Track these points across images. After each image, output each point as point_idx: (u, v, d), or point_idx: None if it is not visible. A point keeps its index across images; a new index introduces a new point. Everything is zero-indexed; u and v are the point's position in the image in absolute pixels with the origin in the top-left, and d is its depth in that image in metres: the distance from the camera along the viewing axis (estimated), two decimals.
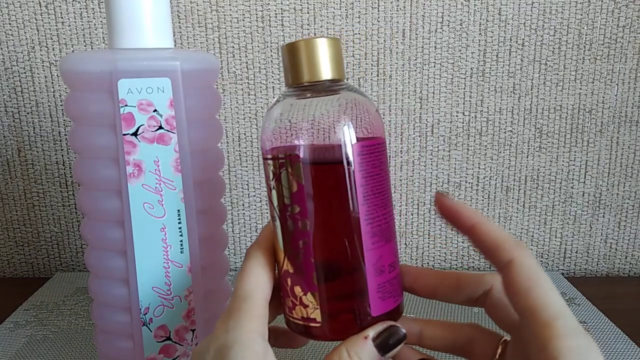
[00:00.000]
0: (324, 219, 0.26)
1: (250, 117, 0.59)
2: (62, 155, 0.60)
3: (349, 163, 0.25)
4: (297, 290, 0.26)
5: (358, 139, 0.26)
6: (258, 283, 0.26)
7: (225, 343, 0.24)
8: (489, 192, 0.61)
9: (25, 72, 0.58)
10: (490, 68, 0.58)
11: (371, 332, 0.26)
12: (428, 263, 0.62)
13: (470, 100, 0.59)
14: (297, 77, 0.27)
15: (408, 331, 0.27)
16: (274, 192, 0.27)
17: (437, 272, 0.29)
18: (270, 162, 0.27)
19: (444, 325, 0.29)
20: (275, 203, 0.27)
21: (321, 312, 0.26)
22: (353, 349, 0.25)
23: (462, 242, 0.62)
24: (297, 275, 0.26)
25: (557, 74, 0.58)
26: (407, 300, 0.29)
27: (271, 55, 0.58)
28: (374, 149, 0.26)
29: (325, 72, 0.27)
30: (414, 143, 0.60)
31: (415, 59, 0.58)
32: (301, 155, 0.26)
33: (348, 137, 0.25)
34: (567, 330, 0.22)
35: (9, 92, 0.58)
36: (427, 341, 0.29)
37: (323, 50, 0.27)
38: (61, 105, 0.59)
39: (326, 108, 0.27)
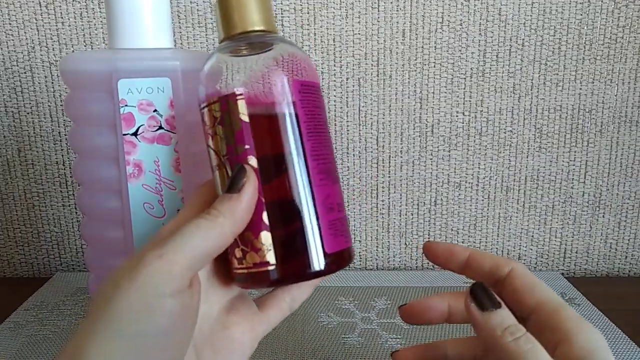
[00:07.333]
0: (271, 155, 0.26)
1: None
2: (62, 155, 0.60)
3: (290, 99, 0.26)
4: (248, 235, 0.26)
5: (296, 79, 0.27)
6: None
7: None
8: (489, 192, 0.61)
9: (25, 72, 0.58)
10: (490, 68, 0.58)
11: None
12: (428, 263, 0.62)
13: (470, 100, 0.59)
14: (228, 29, 0.28)
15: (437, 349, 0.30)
16: (216, 138, 0.27)
17: (440, 297, 0.29)
18: (212, 106, 0.27)
19: (463, 342, 0.30)
20: (219, 148, 0.27)
21: (274, 252, 0.26)
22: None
23: (462, 243, 0.62)
24: None
25: (557, 74, 0.58)
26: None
27: None
28: (312, 90, 0.27)
29: (257, 23, 0.27)
30: (414, 143, 0.60)
31: (415, 59, 0.58)
32: (244, 93, 0.26)
33: (287, 76, 0.26)
34: (571, 314, 0.25)
35: (9, 92, 0.58)
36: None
37: (252, 3, 0.27)
38: (61, 105, 0.59)
39: (261, 56, 0.27)
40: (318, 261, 0.26)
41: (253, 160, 0.26)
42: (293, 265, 0.26)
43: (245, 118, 0.26)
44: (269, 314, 0.29)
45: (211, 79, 0.27)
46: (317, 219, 0.26)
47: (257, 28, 0.27)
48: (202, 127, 0.28)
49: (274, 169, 0.26)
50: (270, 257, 0.26)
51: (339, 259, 0.26)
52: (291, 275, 0.26)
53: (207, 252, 0.24)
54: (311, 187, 0.26)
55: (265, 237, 0.26)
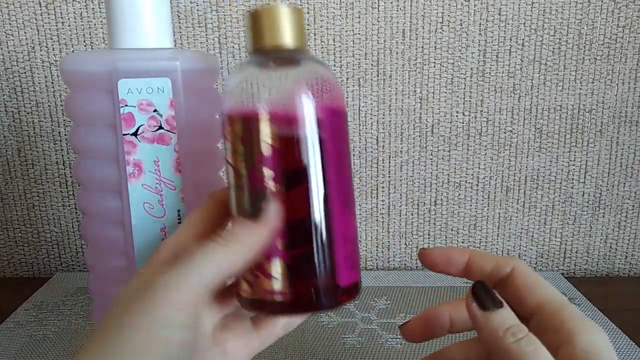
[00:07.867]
0: (293, 181, 0.25)
1: None
2: (62, 155, 0.60)
3: (316, 125, 0.25)
4: (260, 260, 0.25)
5: (324, 104, 0.25)
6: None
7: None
8: (489, 192, 0.61)
9: (25, 72, 0.58)
10: (490, 68, 0.58)
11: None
12: None
13: (470, 100, 0.59)
14: (258, 42, 0.27)
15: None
16: (237, 156, 0.26)
17: (438, 309, 0.29)
18: (235, 122, 0.26)
19: (467, 344, 0.30)
20: (238, 167, 0.26)
21: (286, 281, 0.25)
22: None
23: (462, 243, 0.62)
24: None
25: (557, 74, 0.58)
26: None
27: None
28: (338, 115, 0.26)
29: (288, 39, 0.27)
30: (414, 143, 0.60)
31: (415, 59, 0.58)
32: (269, 114, 0.25)
33: (315, 101, 0.25)
34: (574, 314, 0.24)
35: (9, 92, 0.58)
36: None
37: (285, 18, 0.27)
38: (61, 105, 0.59)
39: (290, 76, 0.27)
40: (329, 295, 0.25)
41: (274, 186, 0.25)
42: (303, 296, 0.25)
43: (269, 140, 0.25)
44: (262, 333, 0.29)
45: (236, 92, 0.26)
46: (334, 251, 0.25)
47: (288, 44, 0.27)
48: (222, 137, 0.27)
49: (294, 196, 0.25)
50: (281, 285, 0.25)
51: (349, 292, 0.26)
52: (300, 307, 0.25)
53: (219, 280, 0.24)
54: (331, 218, 0.25)
55: (278, 265, 0.25)
